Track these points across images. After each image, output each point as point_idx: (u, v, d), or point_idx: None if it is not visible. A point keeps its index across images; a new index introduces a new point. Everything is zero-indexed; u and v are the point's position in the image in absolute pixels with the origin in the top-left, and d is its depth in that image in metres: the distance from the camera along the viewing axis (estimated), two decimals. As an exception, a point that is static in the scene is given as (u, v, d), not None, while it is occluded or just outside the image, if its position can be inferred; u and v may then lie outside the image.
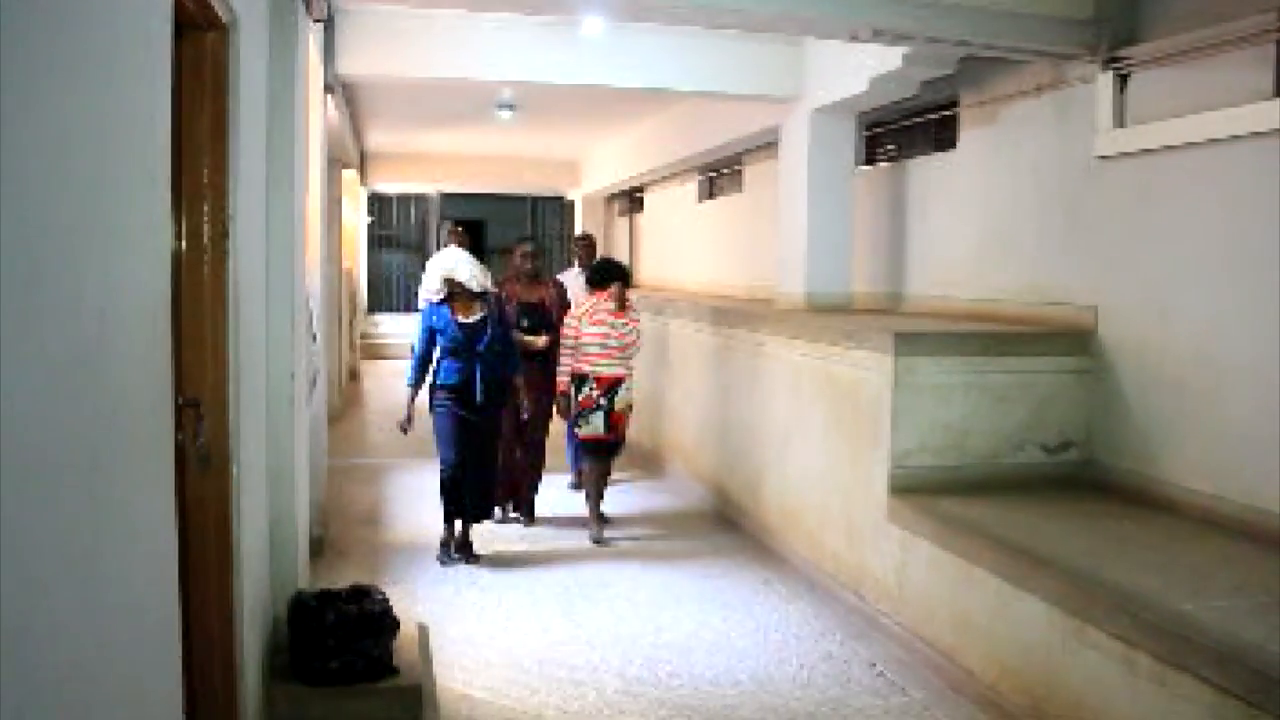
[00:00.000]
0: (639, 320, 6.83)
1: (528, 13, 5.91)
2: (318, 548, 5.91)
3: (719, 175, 11.14)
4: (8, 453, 1.33)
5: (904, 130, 7.44)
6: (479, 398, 5.96)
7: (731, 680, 4.49)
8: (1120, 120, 5.15)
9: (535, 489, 7.10)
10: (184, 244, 3.13)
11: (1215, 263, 4.63)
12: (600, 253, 8.85)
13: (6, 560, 1.33)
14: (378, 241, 19.33)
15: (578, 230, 14.90)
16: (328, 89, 6.36)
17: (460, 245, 6.81)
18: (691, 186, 11.95)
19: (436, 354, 6.06)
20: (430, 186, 16.72)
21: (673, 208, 12.87)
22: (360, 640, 3.83)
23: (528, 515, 7.04)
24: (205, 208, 3.18)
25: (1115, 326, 5.23)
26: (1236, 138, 4.46)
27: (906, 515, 4.88)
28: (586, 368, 6.53)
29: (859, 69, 6.14)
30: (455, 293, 5.89)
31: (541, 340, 6.79)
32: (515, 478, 6.96)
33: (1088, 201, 5.40)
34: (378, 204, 18.87)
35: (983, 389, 5.17)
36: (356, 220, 14.40)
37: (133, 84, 2.02)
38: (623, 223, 15.53)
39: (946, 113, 6.83)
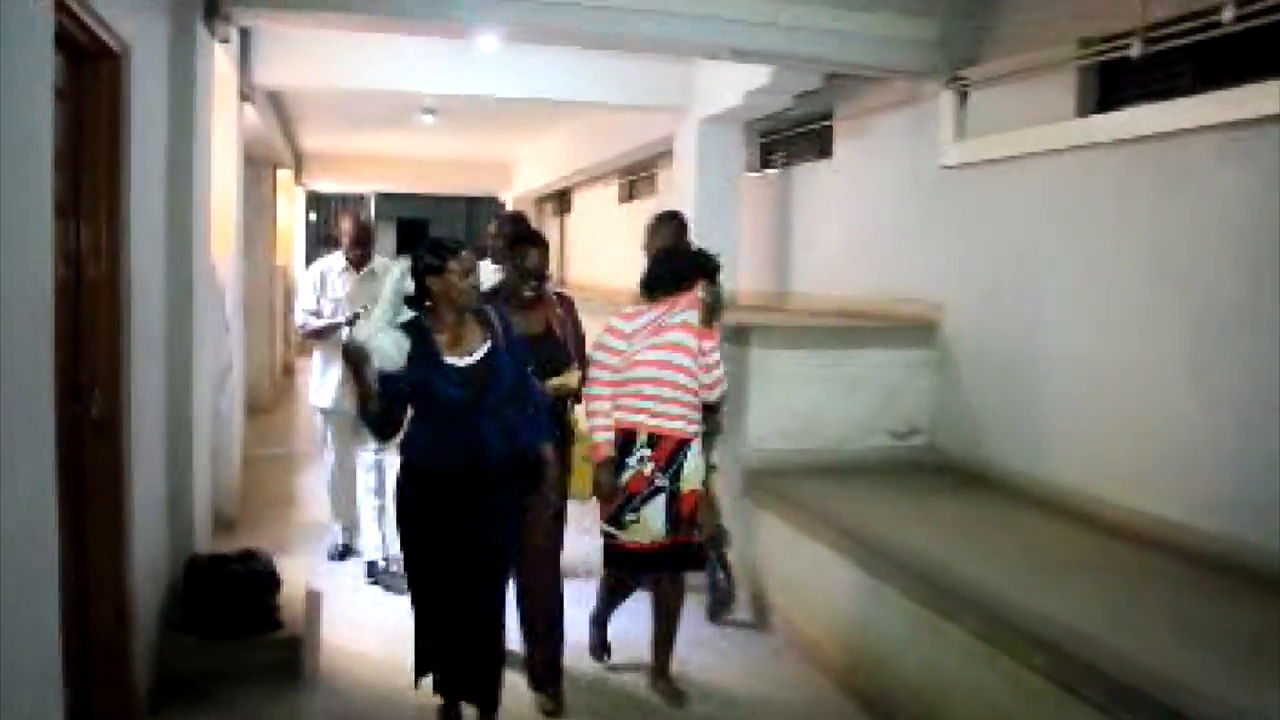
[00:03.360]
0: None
1: (420, 34, 6.32)
2: (229, 525, 6.34)
3: (637, 179, 11.65)
4: None
5: (791, 139, 8.00)
6: (491, 487, 3.60)
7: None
8: (961, 133, 5.70)
9: (559, 635, 4.25)
10: (82, 246, 3.58)
11: (1034, 265, 5.18)
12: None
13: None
14: (322, 240, 19.65)
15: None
16: (244, 97, 6.77)
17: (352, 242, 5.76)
18: (613, 189, 12.46)
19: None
20: (366, 187, 17.10)
21: (597, 209, 13.38)
22: (246, 597, 4.28)
23: (552, 691, 4.20)
24: (102, 215, 3.62)
25: (957, 321, 5.79)
26: (1049, 152, 5.02)
27: (757, 492, 5.40)
28: (634, 419, 4.07)
29: (735, 82, 6.66)
30: (425, 312, 3.60)
31: (571, 380, 4.20)
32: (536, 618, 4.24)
33: (935, 207, 5.96)
34: (319, 204, 19.21)
35: (835, 379, 5.69)
36: (292, 219, 14.74)
37: (14, 107, 2.46)
38: (554, 223, 16.00)
39: (827, 123, 7.38)
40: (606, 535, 4.19)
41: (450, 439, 3.56)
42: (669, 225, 4.98)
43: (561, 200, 15.30)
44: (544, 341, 4.17)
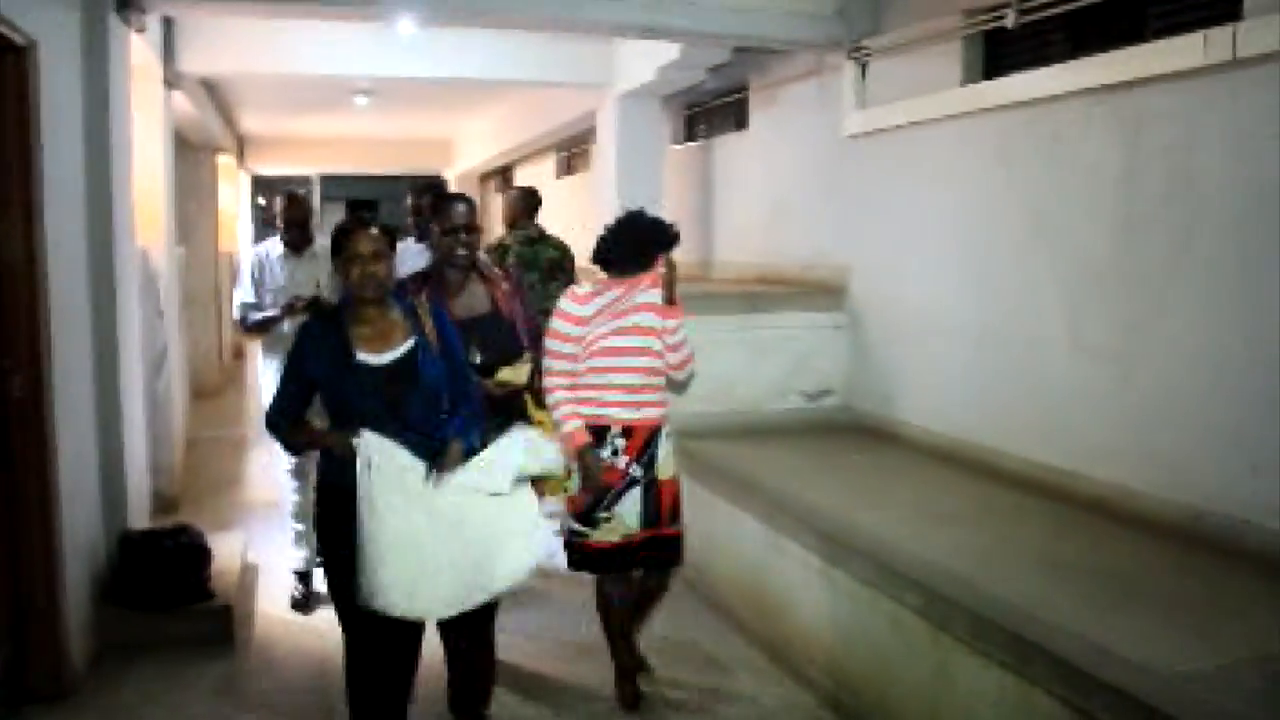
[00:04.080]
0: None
1: (336, 19, 6.45)
2: (171, 504, 6.50)
3: (572, 154, 11.83)
4: None
5: (712, 111, 8.21)
6: None
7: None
8: (862, 103, 5.93)
9: (487, 651, 3.70)
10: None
11: (929, 227, 5.43)
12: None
13: None
14: (267, 223, 19.65)
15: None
16: (170, 85, 6.88)
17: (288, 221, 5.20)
18: (551, 164, 12.63)
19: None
20: (309, 169, 17.13)
21: (536, 184, 13.49)
22: (177, 570, 4.47)
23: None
24: (16, 205, 3.77)
25: (863, 285, 6.04)
26: (939, 119, 5.26)
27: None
28: (602, 412, 3.76)
29: (648, 58, 6.86)
30: (336, 304, 3.41)
31: (521, 375, 3.76)
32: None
33: (840, 175, 6.20)
34: (267, 188, 19.19)
35: (746, 343, 5.93)
36: (236, 204, 14.77)
37: None
38: (498, 200, 16.12)
39: (743, 95, 7.60)
40: (572, 535, 3.82)
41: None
42: (521, 202, 5.61)
43: (504, 177, 15.43)
44: (490, 322, 3.70)
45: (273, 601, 5.12)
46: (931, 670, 3.41)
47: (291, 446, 3.35)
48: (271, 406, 3.21)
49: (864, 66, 5.90)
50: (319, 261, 5.10)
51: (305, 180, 18.70)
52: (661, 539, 3.88)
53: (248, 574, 5.11)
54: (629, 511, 3.79)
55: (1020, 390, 4.82)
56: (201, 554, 4.59)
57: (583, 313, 3.73)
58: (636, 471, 3.80)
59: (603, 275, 3.85)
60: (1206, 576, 3.57)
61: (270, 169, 16.45)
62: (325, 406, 3.14)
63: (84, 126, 4.54)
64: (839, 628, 3.99)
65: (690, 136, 8.67)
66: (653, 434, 3.85)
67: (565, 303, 3.76)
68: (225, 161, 12.83)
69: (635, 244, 3.76)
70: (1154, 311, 4.08)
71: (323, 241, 5.22)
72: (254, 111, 11.97)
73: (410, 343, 3.11)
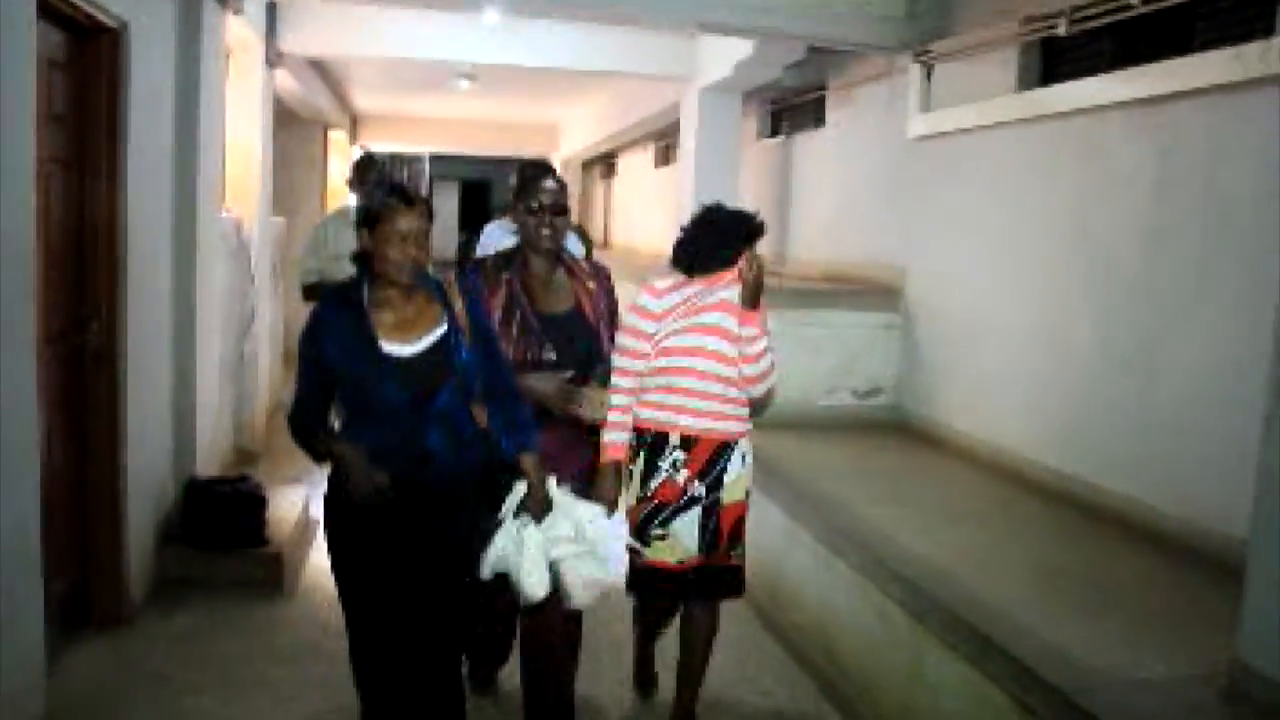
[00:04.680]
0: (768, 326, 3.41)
1: (428, 7, 6.76)
2: (250, 458, 6.90)
3: (668, 144, 11.98)
4: None
5: (795, 107, 8.30)
6: (439, 512, 2.82)
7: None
8: (927, 106, 5.98)
9: (568, 668, 3.53)
10: (84, 196, 4.11)
11: (979, 233, 5.48)
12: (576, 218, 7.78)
13: None
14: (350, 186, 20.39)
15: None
16: (270, 63, 7.29)
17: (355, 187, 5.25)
18: (650, 153, 12.82)
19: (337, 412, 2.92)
20: (420, 148, 17.66)
21: (637, 173, 13.74)
22: (233, 515, 4.82)
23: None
24: (102, 171, 4.14)
25: (916, 287, 6.10)
26: (993, 125, 5.30)
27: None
28: (663, 417, 3.37)
29: (726, 54, 7.00)
30: (367, 278, 2.78)
31: (586, 402, 3.32)
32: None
33: (903, 177, 6.26)
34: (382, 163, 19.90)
35: (798, 339, 6.02)
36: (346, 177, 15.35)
37: None
38: (601, 187, 16.40)
39: (822, 93, 7.68)
40: (630, 551, 3.43)
41: (386, 449, 2.70)
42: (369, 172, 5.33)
43: (607, 164, 15.69)
44: (570, 324, 3.32)
45: (326, 554, 5.45)
46: (908, 660, 3.53)
47: (319, 455, 2.83)
48: (295, 405, 2.81)
49: (929, 70, 5.95)
50: None
51: (417, 158, 19.30)
52: (715, 569, 3.41)
53: (306, 527, 5.45)
54: (686, 532, 3.34)
55: (1051, 399, 4.85)
56: (258, 502, 4.93)
57: (658, 307, 3.32)
58: (697, 490, 3.34)
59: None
60: (1195, 592, 3.60)
61: (383, 145, 17.00)
62: (341, 400, 2.80)
63: (175, 103, 4.92)
64: (838, 615, 4.12)
65: (774, 132, 8.77)
66: (721, 450, 3.36)
67: (642, 296, 3.36)
68: (337, 136, 13.37)
69: (713, 240, 3.29)
70: (1178, 325, 4.09)
71: None
72: (365, 90, 12.44)
73: (442, 329, 2.75)
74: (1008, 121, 5.16)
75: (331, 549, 2.88)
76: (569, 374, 3.28)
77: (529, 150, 16.29)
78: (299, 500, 5.58)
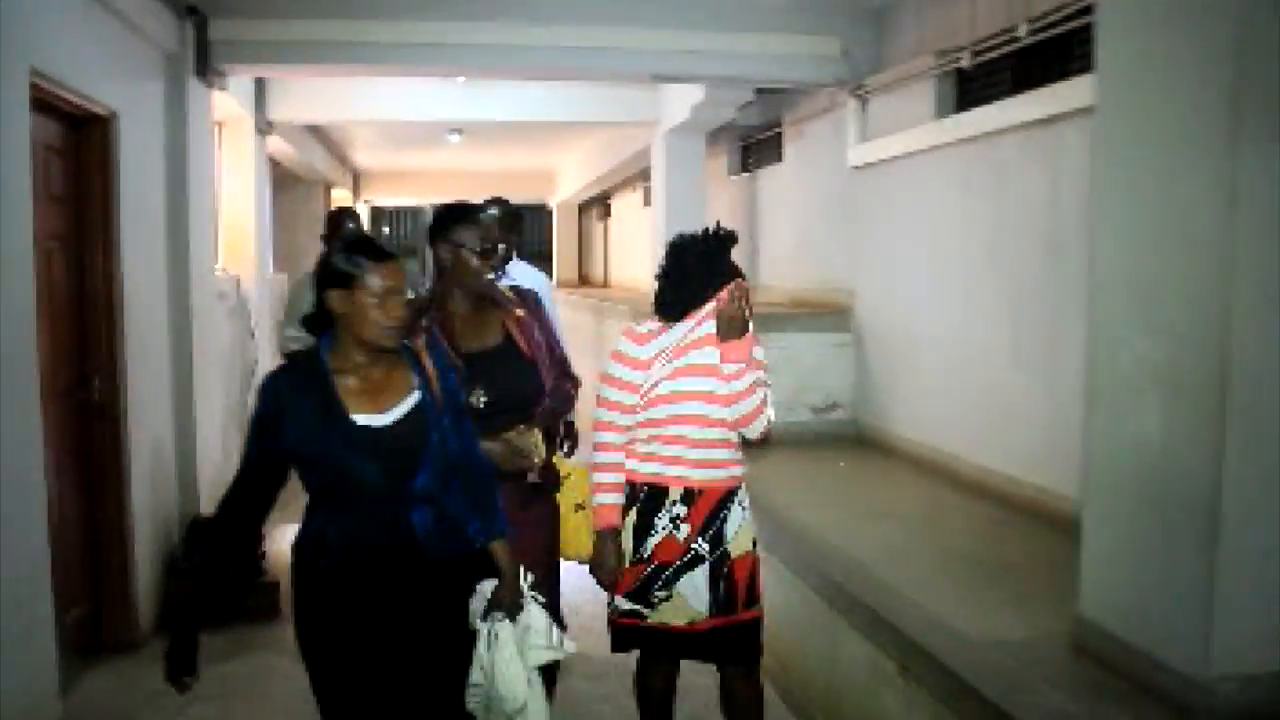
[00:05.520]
0: (760, 352, 3.18)
1: (390, 75, 7.31)
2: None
3: (650, 186, 12.50)
4: None
5: (760, 143, 8.77)
6: (431, 600, 2.56)
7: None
8: (863, 137, 6.43)
9: None
10: (84, 267, 4.60)
11: (908, 252, 5.91)
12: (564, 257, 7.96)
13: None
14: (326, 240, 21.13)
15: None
16: (260, 131, 7.83)
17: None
18: (640, 194, 13.34)
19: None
20: (421, 199, 18.25)
21: (628, 213, 14.28)
22: (233, 546, 5.24)
23: None
24: (99, 244, 4.64)
25: (864, 307, 6.52)
26: (916, 153, 5.74)
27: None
28: (658, 470, 3.08)
29: (684, 98, 7.49)
30: (327, 342, 2.48)
31: (534, 450, 2.99)
32: None
33: (848, 204, 6.71)
34: (390, 218, 20.58)
35: (756, 358, 6.45)
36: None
37: None
38: (599, 228, 16.94)
39: (779, 130, 8.15)
40: (618, 614, 3.13)
41: (363, 539, 2.44)
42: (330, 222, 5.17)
43: (603, 206, 16.22)
44: (502, 359, 3.03)
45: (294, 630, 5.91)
46: (828, 641, 3.92)
47: (205, 567, 2.59)
48: (231, 490, 2.51)
49: (865, 103, 6.40)
50: None
51: (418, 210, 19.93)
52: (735, 628, 3.09)
53: (303, 557, 5.88)
54: (693, 594, 3.03)
55: (974, 401, 5.25)
56: (256, 537, 5.36)
57: (641, 355, 3.03)
58: (701, 547, 3.04)
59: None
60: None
61: (385, 200, 17.65)
62: (305, 481, 2.50)
63: (165, 176, 5.43)
64: (773, 607, 4.50)
65: (744, 168, 9.25)
66: (723, 500, 3.07)
67: (622, 343, 3.08)
68: (340, 194, 13.97)
69: (688, 277, 3.02)
70: (1072, 326, 4.48)
71: None
72: (364, 148, 13.04)
73: (415, 396, 2.48)
74: (926, 148, 5.60)
75: (308, 640, 2.49)
76: (516, 429, 2.93)
77: (528, 196, 16.86)
78: (292, 533, 6.02)
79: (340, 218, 4.93)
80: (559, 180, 16.21)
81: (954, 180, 5.40)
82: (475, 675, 2.61)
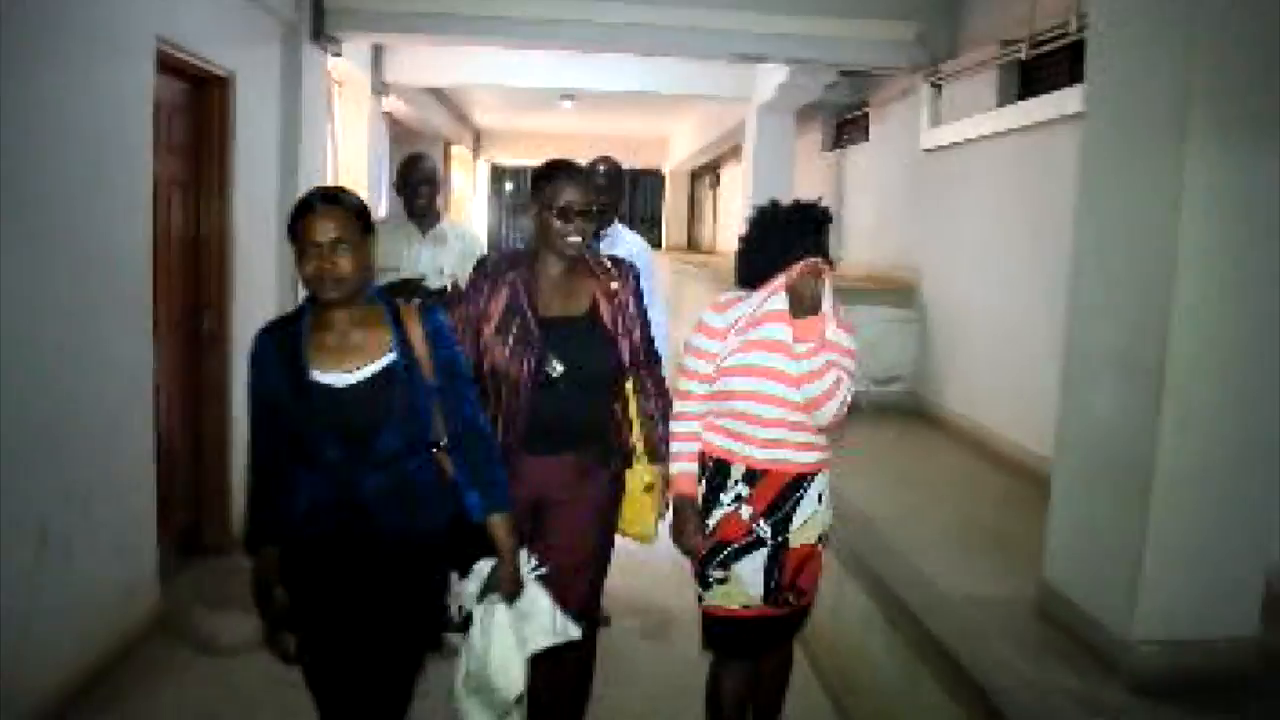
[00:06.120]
0: (847, 339, 2.90)
1: (513, 46, 7.76)
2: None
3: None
4: (50, 304, 3.31)
5: (848, 123, 8.98)
6: (381, 572, 2.45)
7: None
8: (936, 121, 6.63)
9: None
10: (199, 211, 5.19)
11: (971, 234, 6.11)
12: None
13: (12, 364, 3.31)
14: (513, 209, 21.81)
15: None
16: (377, 92, 8.39)
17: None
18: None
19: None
20: (539, 160, 18.82)
21: (735, 183, 14.52)
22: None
23: None
24: (214, 191, 5.21)
25: (928, 284, 6.75)
26: (980, 138, 5.93)
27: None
28: (724, 445, 2.92)
29: (770, 78, 7.76)
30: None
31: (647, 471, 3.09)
32: None
33: (918, 185, 6.92)
34: (515, 176, 21.24)
35: (819, 329, 6.75)
36: (469, 189, 16.64)
37: (121, 112, 3.97)
38: (709, 196, 17.23)
39: (867, 110, 8.36)
40: (698, 598, 3.01)
41: (320, 503, 2.39)
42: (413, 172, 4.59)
43: (714, 174, 16.50)
44: (582, 330, 2.89)
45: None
46: (833, 591, 4.24)
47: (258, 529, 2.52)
48: (254, 451, 2.50)
49: (938, 88, 6.59)
50: (446, 244, 4.53)
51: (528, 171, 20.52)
52: (781, 621, 2.98)
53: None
54: (750, 577, 2.87)
55: (1013, 380, 5.47)
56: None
57: (718, 324, 2.90)
58: (763, 530, 2.87)
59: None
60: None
61: (506, 159, 18.27)
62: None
63: (279, 132, 5.98)
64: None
65: (836, 145, 9.47)
66: (792, 484, 2.88)
67: (705, 314, 2.95)
68: (460, 151, 14.59)
69: (764, 244, 2.88)
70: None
71: (457, 227, 4.79)
72: (481, 108, 13.61)
73: (389, 358, 2.37)
74: (988, 135, 5.79)
75: (285, 581, 2.47)
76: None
77: (644, 162, 17.27)
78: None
79: (409, 166, 4.60)
80: (671, 147, 16.54)
81: (1009, 167, 5.59)
82: (470, 662, 2.53)
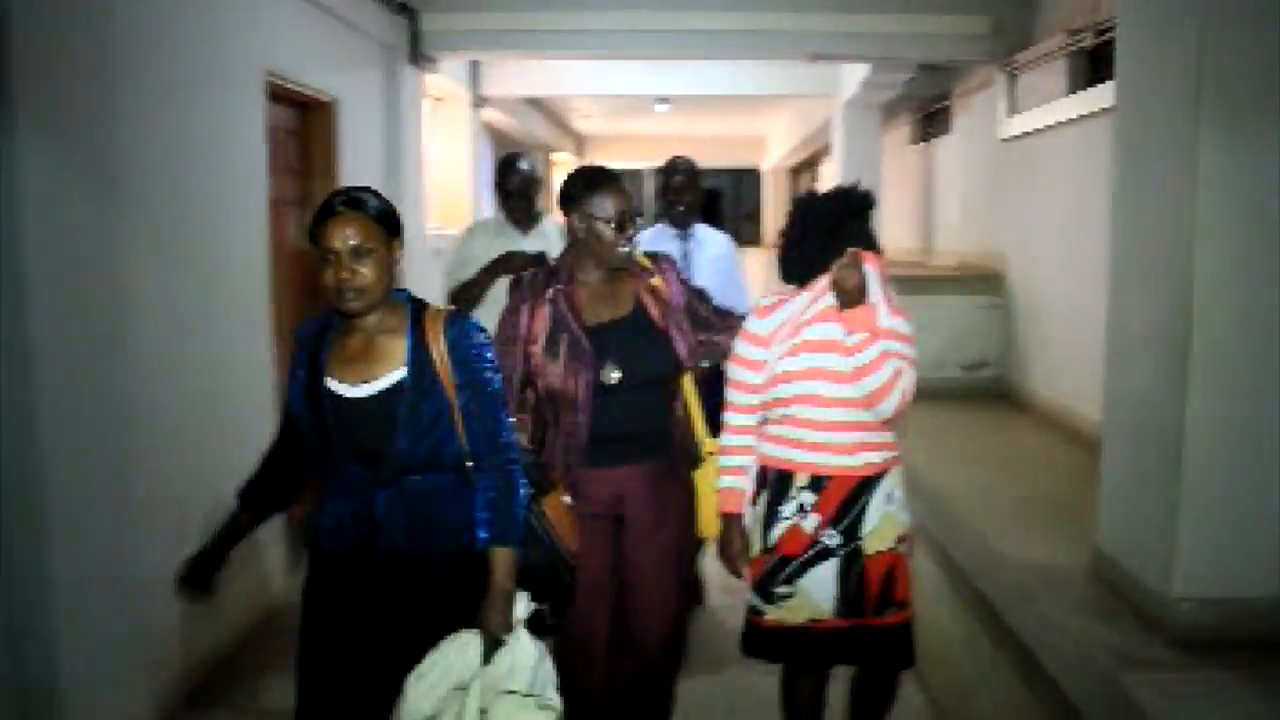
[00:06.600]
0: (904, 325, 2.72)
1: (602, 57, 8.12)
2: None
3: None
4: (180, 310, 3.75)
5: (933, 116, 9.08)
6: (390, 594, 2.30)
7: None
8: (1012, 111, 6.74)
9: None
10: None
11: (1048, 219, 6.21)
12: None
13: (150, 364, 3.74)
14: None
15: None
16: (476, 105, 8.84)
17: None
18: (840, 158, 13.77)
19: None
20: (640, 163, 19.19)
21: (831, 179, 14.70)
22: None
23: None
24: (323, 204, 5.67)
25: (1014, 271, 6.85)
26: (1051, 126, 6.04)
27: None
28: (784, 453, 2.77)
29: (853, 75, 7.94)
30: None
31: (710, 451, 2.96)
32: None
33: (1000, 174, 7.02)
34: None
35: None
36: (574, 193, 17.11)
37: (238, 138, 4.41)
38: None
39: (948, 103, 8.47)
40: (748, 609, 2.83)
41: (340, 520, 2.29)
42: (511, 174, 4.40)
43: (812, 171, 16.62)
44: (632, 330, 2.79)
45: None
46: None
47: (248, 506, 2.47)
48: (277, 433, 2.45)
49: (1014, 78, 6.70)
50: (548, 242, 4.30)
51: (637, 174, 20.88)
52: (871, 631, 2.73)
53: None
54: (818, 589, 2.70)
55: (1090, 361, 5.53)
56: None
57: (761, 330, 2.76)
58: (830, 539, 2.70)
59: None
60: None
61: (608, 162, 18.71)
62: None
63: (382, 149, 6.43)
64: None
65: (923, 138, 9.57)
66: (858, 488, 2.71)
67: (750, 320, 2.82)
68: (561, 157, 15.04)
69: (806, 239, 2.74)
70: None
71: (555, 223, 4.46)
72: (581, 116, 14.02)
73: (400, 373, 2.23)
74: (1062, 121, 5.89)
75: (303, 610, 2.39)
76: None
77: (742, 161, 17.51)
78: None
79: (505, 167, 4.52)
80: (769, 146, 16.73)
81: (1081, 153, 5.69)
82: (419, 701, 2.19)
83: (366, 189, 2.31)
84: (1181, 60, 3.03)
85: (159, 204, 3.72)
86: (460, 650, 2.21)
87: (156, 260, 3.67)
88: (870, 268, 2.60)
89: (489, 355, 2.31)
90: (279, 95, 5.03)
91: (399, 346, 2.23)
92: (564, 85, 9.45)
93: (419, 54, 6.71)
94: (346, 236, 2.15)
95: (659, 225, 4.30)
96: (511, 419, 2.39)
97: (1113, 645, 3.11)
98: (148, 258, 3.59)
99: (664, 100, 11.95)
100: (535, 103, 11.86)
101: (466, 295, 4.11)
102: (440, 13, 6.69)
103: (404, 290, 2.33)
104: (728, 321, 2.97)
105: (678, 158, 4.32)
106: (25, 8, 2.71)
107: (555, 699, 2.27)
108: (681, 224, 4.17)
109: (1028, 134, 6.43)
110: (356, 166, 5.94)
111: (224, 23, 4.27)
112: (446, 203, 8.41)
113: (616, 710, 2.90)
